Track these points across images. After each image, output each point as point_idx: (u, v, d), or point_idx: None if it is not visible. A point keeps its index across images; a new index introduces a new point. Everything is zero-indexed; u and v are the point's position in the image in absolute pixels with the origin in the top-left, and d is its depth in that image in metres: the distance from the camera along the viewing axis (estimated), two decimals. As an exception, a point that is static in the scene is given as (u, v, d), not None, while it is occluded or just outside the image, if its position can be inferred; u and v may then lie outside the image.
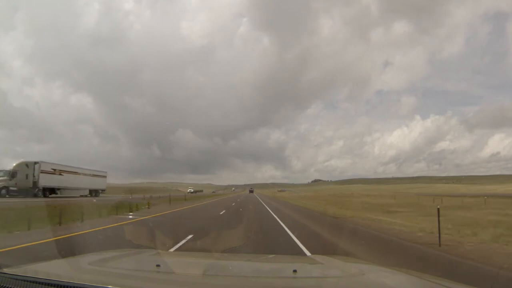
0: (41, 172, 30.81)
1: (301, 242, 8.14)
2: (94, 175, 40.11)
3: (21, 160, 31.62)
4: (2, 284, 1.55)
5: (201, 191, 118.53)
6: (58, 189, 33.59)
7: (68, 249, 6.48)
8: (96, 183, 40.22)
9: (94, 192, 39.17)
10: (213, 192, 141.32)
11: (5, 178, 29.62)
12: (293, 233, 10.01)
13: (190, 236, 8.60)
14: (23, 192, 29.47)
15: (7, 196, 28.61)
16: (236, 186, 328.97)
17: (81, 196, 35.93)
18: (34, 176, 30.50)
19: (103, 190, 41.93)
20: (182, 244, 7.47)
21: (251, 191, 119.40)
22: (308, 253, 6.71)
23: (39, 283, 1.55)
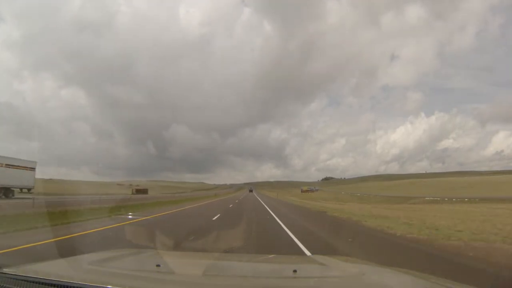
0: None
1: None
2: (7, 166, 26.24)
3: None
4: (2, 284, 1.59)
5: (146, 190, 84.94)
6: None
7: None
8: (12, 178, 26.47)
9: (5, 191, 26.12)
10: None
11: None
12: None
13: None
14: None
15: None
16: (235, 185, 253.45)
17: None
18: None
19: (29, 189, 28.83)
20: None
21: (251, 191, 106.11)
22: None
23: (40, 283, 1.58)
